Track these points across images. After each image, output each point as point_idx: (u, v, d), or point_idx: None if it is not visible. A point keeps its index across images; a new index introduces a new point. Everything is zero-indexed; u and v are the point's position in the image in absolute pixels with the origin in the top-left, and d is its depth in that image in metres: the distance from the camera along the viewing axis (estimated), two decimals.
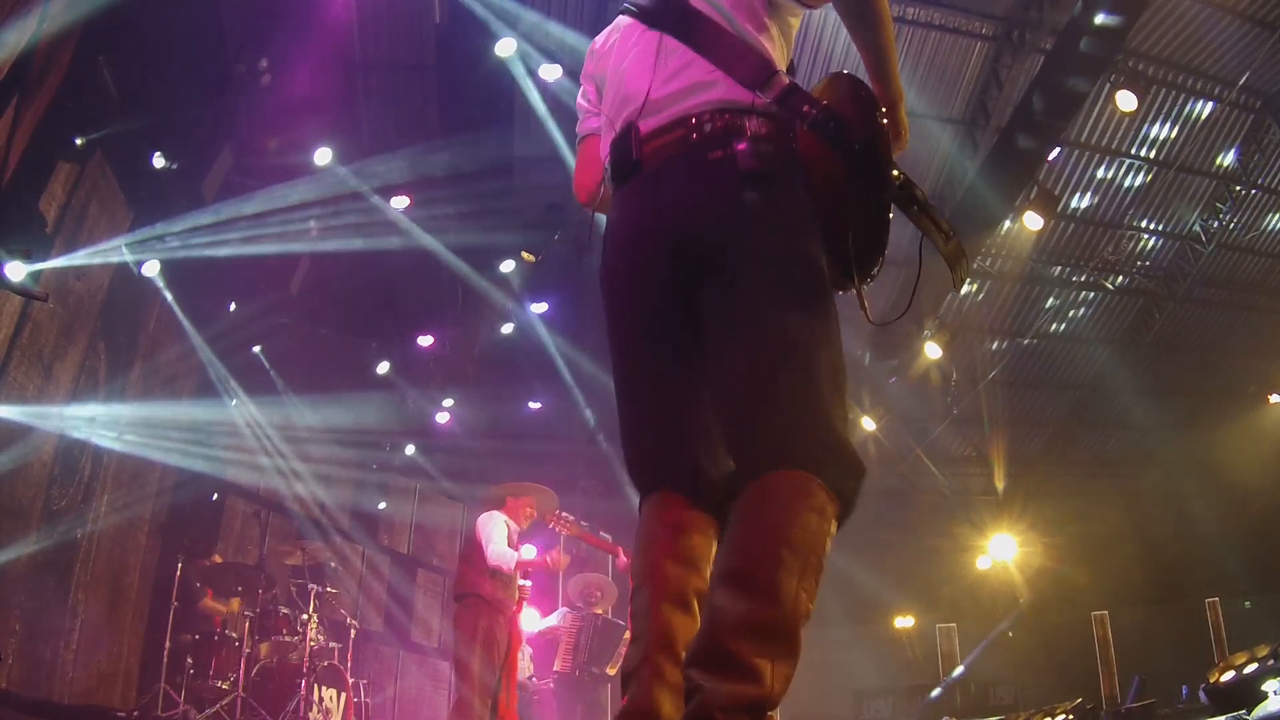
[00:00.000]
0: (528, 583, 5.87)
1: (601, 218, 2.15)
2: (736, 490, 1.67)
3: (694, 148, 1.86)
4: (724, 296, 1.78)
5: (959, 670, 13.43)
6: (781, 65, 2.03)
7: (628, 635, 6.34)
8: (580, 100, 2.31)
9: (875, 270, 1.89)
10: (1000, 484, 14.65)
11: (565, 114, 9.10)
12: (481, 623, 5.66)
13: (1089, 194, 11.54)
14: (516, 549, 5.87)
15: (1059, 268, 12.48)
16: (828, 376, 1.72)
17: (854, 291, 1.90)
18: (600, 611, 7.96)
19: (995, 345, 13.53)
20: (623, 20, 2.22)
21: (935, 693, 13.14)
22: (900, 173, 1.85)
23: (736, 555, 1.57)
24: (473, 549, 5.95)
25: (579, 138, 2.30)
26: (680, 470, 1.88)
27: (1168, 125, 10.83)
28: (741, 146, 1.82)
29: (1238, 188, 11.52)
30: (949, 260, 2.01)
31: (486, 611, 5.71)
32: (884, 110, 1.90)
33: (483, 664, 5.53)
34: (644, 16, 2.10)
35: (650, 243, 1.90)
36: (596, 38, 2.33)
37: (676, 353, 1.91)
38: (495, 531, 5.81)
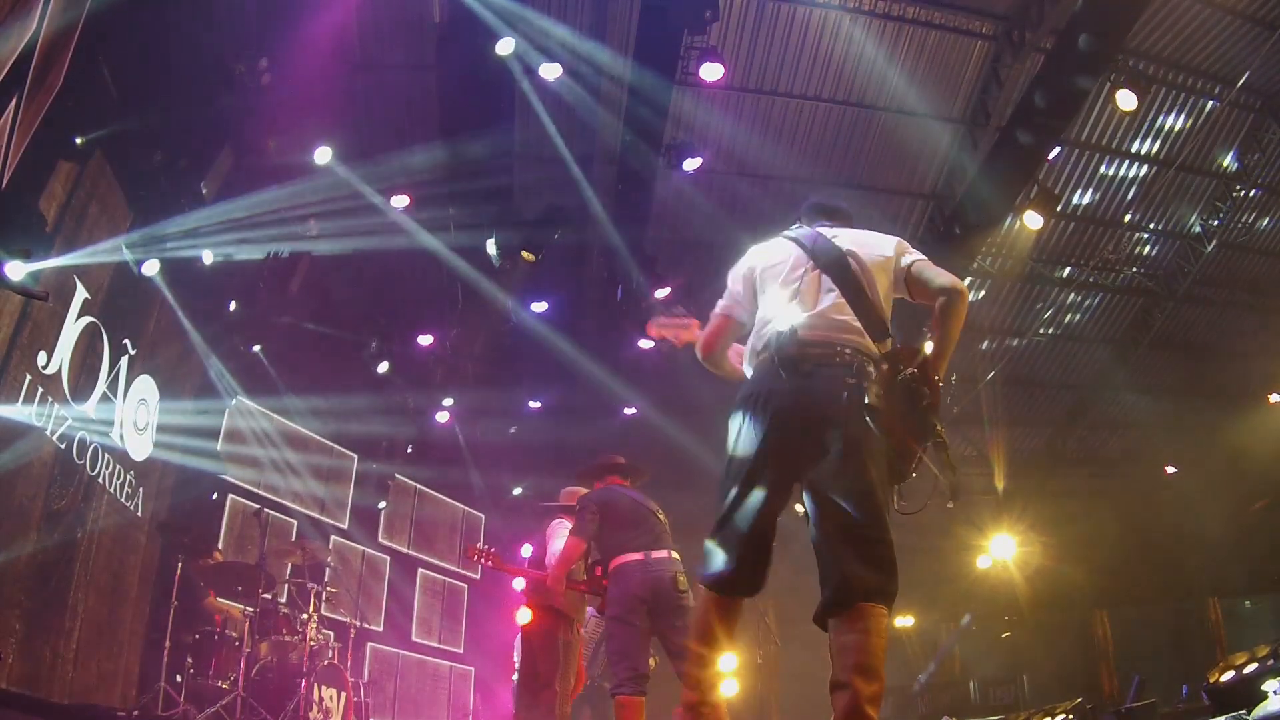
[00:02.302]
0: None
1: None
2: (833, 597, 2.69)
3: (838, 369, 2.84)
4: (839, 473, 2.75)
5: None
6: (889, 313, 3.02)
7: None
8: (734, 287, 3.25)
9: (908, 477, 2.90)
10: (1000, 484, 14.65)
11: (565, 113, 9.11)
12: (559, 635, 5.83)
13: (1089, 193, 11.54)
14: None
15: (1059, 267, 12.48)
16: (888, 530, 2.74)
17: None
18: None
19: (995, 345, 13.52)
20: (789, 246, 3.18)
21: (923, 677, 13.22)
22: (940, 426, 2.88)
23: (865, 655, 2.59)
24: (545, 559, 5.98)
25: (720, 313, 3.27)
26: (755, 582, 2.87)
27: (1168, 124, 10.83)
28: (869, 386, 2.78)
29: (1238, 187, 11.52)
30: (949, 489, 2.96)
31: (562, 623, 5.86)
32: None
33: (556, 672, 5.71)
34: (811, 255, 3.08)
35: (797, 414, 2.84)
36: (763, 248, 3.26)
37: (781, 488, 2.86)
38: (559, 540, 5.86)
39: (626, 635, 4.93)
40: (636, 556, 5.04)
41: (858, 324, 2.93)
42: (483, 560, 5.97)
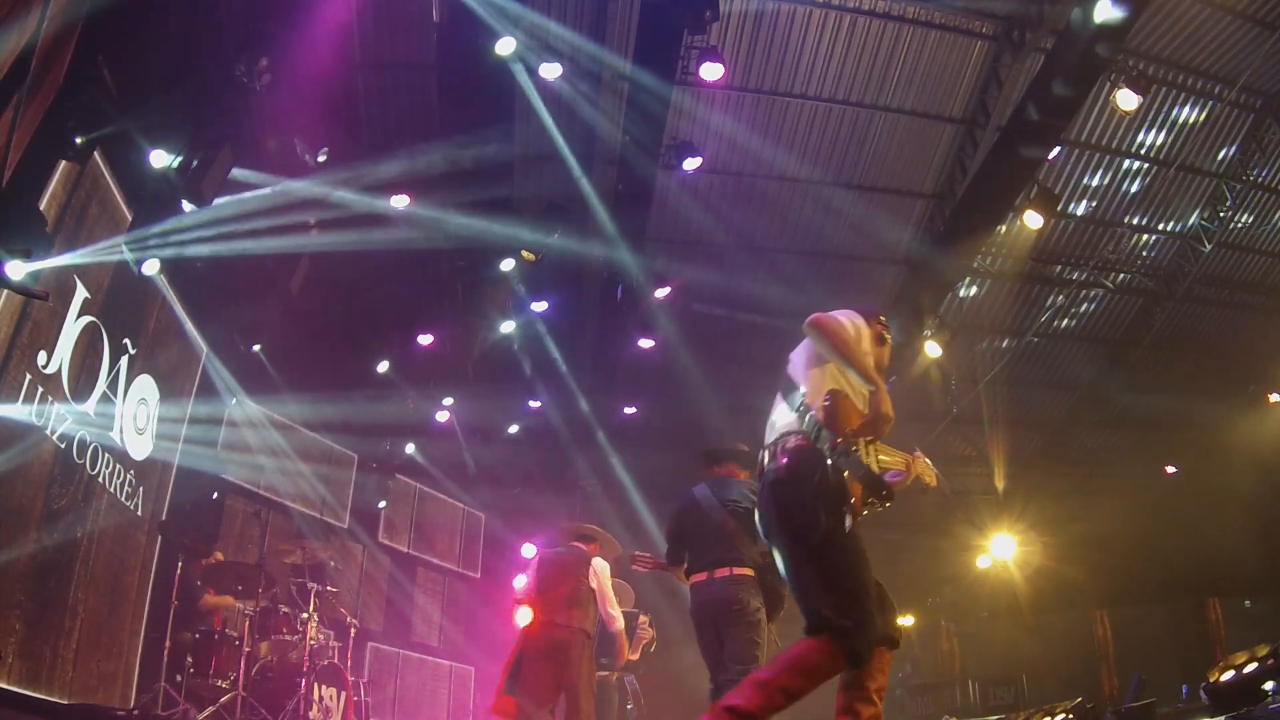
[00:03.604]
0: None
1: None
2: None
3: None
4: (774, 547, 3.24)
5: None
6: (823, 389, 3.19)
7: (644, 619, 6.15)
8: None
9: (854, 512, 3.07)
10: (1000, 484, 14.66)
11: (565, 113, 9.11)
12: (591, 660, 6.03)
13: (1089, 193, 11.54)
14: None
15: (1059, 267, 12.48)
16: (819, 583, 3.02)
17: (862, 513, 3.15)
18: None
19: (995, 345, 13.52)
20: None
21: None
22: (863, 447, 3.11)
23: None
24: (583, 590, 6.12)
25: None
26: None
27: (1168, 124, 10.83)
28: (771, 465, 3.22)
29: (1238, 187, 11.52)
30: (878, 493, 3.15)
31: (590, 649, 6.05)
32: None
33: (591, 697, 5.95)
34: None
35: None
36: None
37: None
38: (607, 583, 6.19)
39: (700, 645, 5.25)
40: (700, 577, 5.20)
41: (782, 420, 3.31)
42: (641, 567, 6.10)
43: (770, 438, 3.33)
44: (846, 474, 3.06)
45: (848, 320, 3.37)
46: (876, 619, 3.00)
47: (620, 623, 6.31)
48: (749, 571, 5.13)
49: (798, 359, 3.42)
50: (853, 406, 3.18)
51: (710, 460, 5.71)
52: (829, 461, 3.07)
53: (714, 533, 5.24)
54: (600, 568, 6.27)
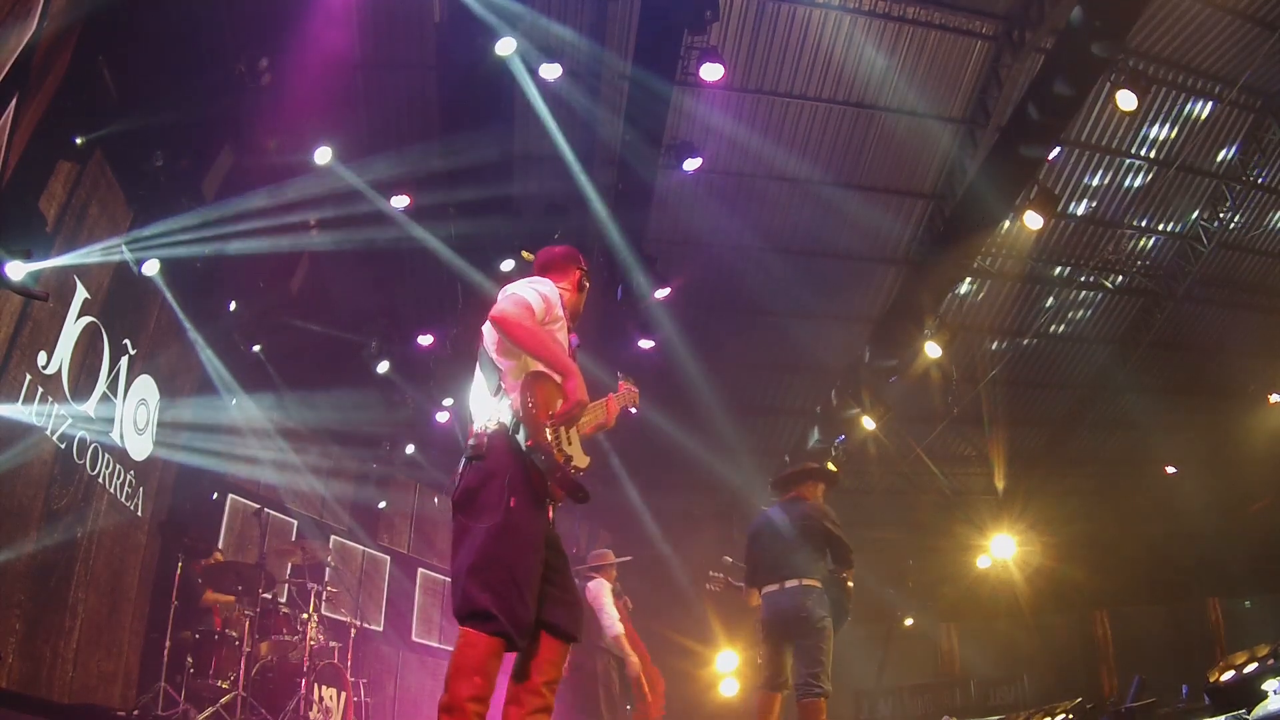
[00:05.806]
0: None
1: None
2: None
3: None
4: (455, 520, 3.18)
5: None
6: (522, 371, 3.22)
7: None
8: None
9: (552, 506, 3.21)
10: (1000, 484, 14.65)
11: (565, 113, 9.10)
12: (611, 671, 6.53)
13: (1089, 193, 11.54)
14: (619, 607, 6.79)
15: (1059, 267, 12.48)
16: (477, 565, 2.96)
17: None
18: None
19: (995, 345, 13.52)
20: None
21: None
22: (553, 432, 3.13)
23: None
24: (589, 611, 6.67)
25: None
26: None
27: (1168, 124, 10.83)
28: (472, 444, 3.18)
29: (1238, 187, 11.52)
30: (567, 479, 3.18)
31: (606, 659, 6.55)
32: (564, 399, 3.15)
33: (613, 702, 6.45)
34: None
35: None
36: None
37: None
38: (606, 600, 6.66)
39: (763, 650, 5.73)
40: (773, 587, 5.68)
41: (481, 400, 3.29)
42: (719, 587, 6.62)
43: (474, 419, 3.30)
44: (544, 470, 3.07)
45: (535, 296, 3.28)
46: (529, 607, 2.97)
47: (616, 630, 6.58)
48: (816, 583, 5.59)
49: (490, 335, 3.35)
50: (553, 386, 3.18)
51: (781, 487, 6.24)
52: (526, 455, 3.06)
53: (786, 547, 5.73)
54: (594, 586, 6.72)
